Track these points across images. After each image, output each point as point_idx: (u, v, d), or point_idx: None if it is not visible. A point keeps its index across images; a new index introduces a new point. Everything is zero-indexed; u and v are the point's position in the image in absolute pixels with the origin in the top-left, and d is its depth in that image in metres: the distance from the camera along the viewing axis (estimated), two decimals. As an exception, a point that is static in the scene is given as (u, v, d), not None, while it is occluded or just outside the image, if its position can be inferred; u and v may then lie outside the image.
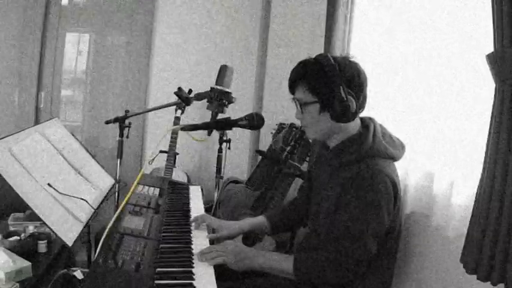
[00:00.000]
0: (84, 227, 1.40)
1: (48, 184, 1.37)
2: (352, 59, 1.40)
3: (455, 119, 1.55)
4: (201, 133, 2.15)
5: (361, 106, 1.40)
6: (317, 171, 1.56)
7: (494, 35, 1.21)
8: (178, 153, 2.73)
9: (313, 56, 1.40)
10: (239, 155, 3.23)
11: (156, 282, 1.16)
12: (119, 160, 2.23)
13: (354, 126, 1.42)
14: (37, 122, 3.04)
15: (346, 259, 1.27)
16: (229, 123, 1.59)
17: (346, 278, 1.29)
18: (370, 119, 1.46)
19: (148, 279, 1.15)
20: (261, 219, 1.69)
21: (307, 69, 1.38)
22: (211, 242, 1.52)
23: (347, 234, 1.28)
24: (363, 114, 1.49)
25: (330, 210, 1.37)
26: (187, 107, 2.44)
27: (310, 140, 2.34)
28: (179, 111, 2.57)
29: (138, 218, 1.52)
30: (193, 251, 1.37)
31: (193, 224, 1.61)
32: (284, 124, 2.51)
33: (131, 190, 1.47)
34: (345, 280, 1.30)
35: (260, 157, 2.58)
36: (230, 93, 2.35)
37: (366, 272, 1.33)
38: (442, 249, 1.63)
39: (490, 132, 1.24)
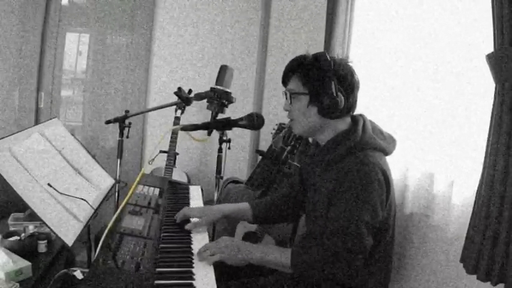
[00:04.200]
0: (84, 227, 1.40)
1: (48, 184, 1.37)
2: (348, 62, 1.42)
3: (456, 119, 1.55)
4: (201, 133, 2.14)
5: (349, 107, 1.41)
6: (310, 169, 1.55)
7: (494, 35, 1.21)
8: (178, 153, 2.73)
9: (311, 53, 1.43)
10: (239, 155, 3.23)
11: (156, 282, 1.16)
12: (118, 160, 2.23)
13: (344, 124, 1.43)
14: (37, 122, 3.04)
15: (342, 252, 1.27)
16: (229, 123, 1.59)
17: (343, 271, 1.28)
18: (361, 115, 1.47)
19: (148, 279, 1.15)
20: (244, 206, 1.68)
21: (303, 62, 1.41)
22: (211, 239, 1.52)
23: (342, 227, 1.28)
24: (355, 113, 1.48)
25: (324, 206, 1.37)
26: (187, 107, 2.44)
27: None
28: (179, 111, 2.57)
29: (138, 218, 1.52)
30: (193, 251, 1.37)
31: (187, 225, 1.54)
32: (284, 124, 2.51)
33: (131, 190, 1.47)
34: (342, 273, 1.29)
35: (260, 157, 2.58)
36: (230, 93, 2.34)
37: (362, 270, 1.32)
38: (442, 249, 1.63)
39: (490, 132, 1.24)
